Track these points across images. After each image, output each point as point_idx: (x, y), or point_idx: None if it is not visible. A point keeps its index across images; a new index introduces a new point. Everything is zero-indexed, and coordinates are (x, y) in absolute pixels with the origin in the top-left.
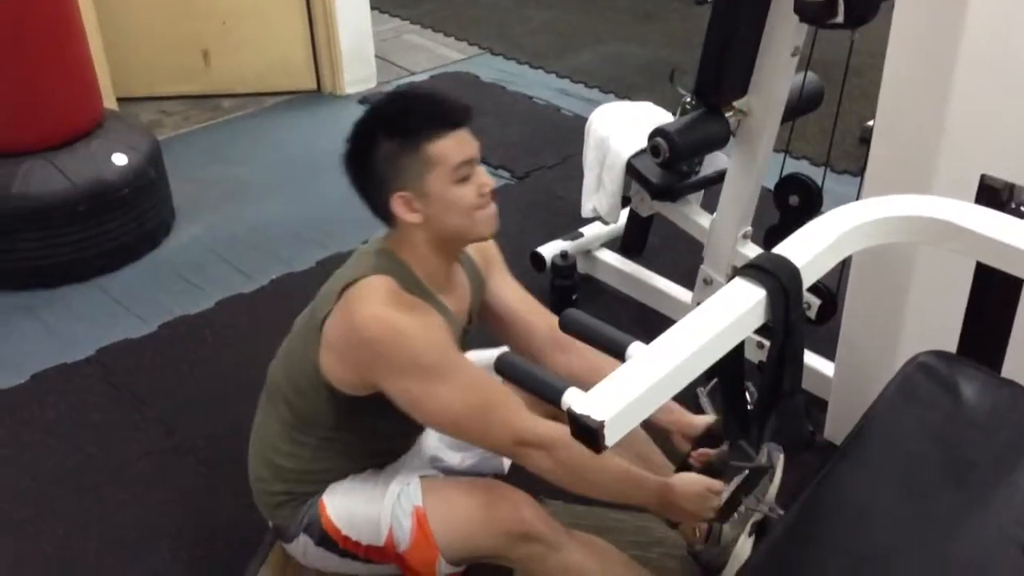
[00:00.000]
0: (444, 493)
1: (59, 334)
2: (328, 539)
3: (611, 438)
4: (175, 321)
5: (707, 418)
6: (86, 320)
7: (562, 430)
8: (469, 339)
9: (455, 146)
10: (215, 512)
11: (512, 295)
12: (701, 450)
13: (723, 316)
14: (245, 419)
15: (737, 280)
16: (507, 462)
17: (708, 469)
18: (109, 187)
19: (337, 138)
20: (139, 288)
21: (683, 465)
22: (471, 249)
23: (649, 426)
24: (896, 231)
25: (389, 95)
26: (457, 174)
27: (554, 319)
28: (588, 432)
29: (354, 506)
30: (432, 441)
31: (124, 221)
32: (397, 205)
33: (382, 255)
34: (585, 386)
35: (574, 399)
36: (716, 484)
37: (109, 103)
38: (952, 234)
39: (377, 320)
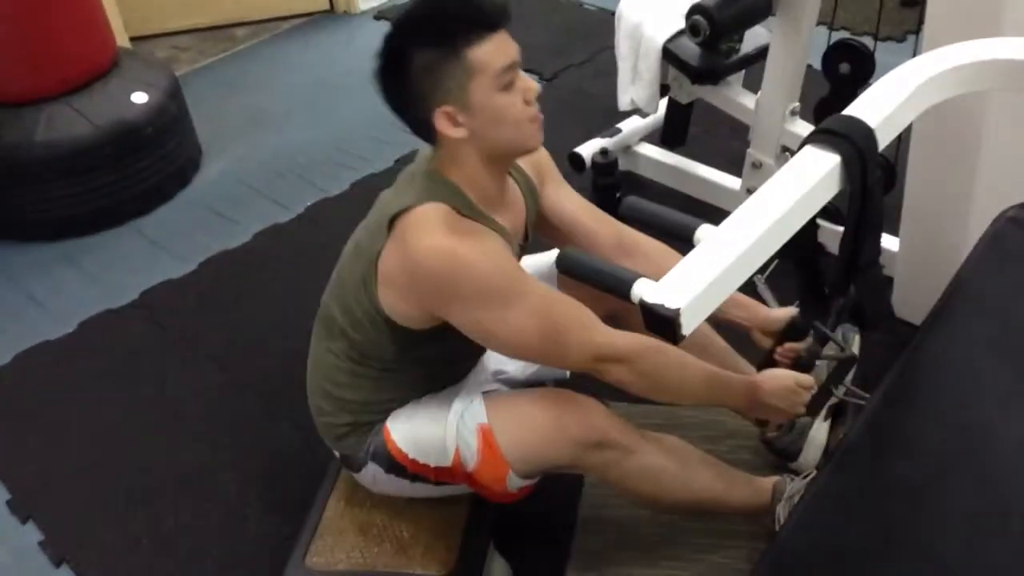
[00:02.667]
0: (509, 407)
1: (101, 281)
2: (397, 465)
3: (688, 326)
4: (215, 257)
5: (787, 311)
6: (126, 264)
7: (641, 341)
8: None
9: (497, 50)
10: (277, 445)
11: (571, 203)
12: (788, 345)
13: (796, 187)
14: (297, 350)
15: (807, 148)
16: None
17: (796, 364)
18: (133, 127)
19: (355, 57)
20: (175, 227)
21: (765, 362)
22: (522, 160)
23: (725, 323)
24: (973, 79)
25: (415, 1)
26: (501, 80)
27: (617, 225)
28: (663, 322)
29: (418, 429)
30: (492, 353)
31: (152, 160)
32: (440, 121)
33: (430, 178)
34: None
35: (645, 289)
36: (805, 379)
37: (122, 42)
38: None
39: (436, 251)
